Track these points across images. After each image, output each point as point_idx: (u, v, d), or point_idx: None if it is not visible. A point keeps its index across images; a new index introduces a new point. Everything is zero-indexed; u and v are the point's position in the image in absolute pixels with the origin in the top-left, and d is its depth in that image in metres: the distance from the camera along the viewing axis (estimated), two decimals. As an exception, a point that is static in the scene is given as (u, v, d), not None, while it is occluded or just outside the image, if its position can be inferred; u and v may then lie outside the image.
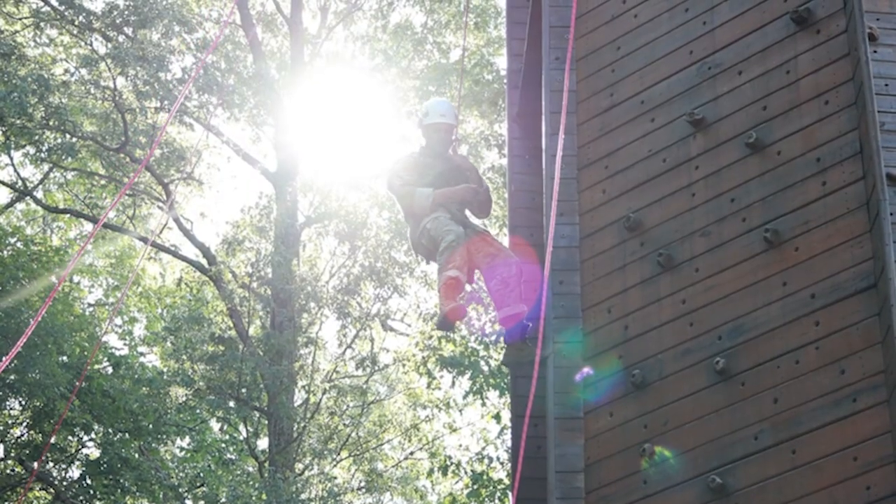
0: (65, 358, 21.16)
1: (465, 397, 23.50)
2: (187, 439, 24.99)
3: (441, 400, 26.76)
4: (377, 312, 25.90)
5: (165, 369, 24.96)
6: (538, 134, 10.47)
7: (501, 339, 10.24)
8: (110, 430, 21.81)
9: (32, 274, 21.27)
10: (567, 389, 8.10)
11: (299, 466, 25.00)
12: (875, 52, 7.81)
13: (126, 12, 24.71)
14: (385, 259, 25.49)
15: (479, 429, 26.69)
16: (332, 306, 25.31)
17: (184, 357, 24.00)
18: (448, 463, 24.41)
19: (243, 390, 23.52)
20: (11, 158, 25.74)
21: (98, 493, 21.54)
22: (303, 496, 22.99)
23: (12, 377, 20.36)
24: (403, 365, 26.37)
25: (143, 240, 26.55)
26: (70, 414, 20.87)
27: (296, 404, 25.03)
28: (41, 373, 20.06)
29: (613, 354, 8.11)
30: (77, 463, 22.72)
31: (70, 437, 22.37)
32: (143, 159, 24.04)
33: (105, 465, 21.47)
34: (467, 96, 26.49)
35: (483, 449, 25.03)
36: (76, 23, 25.25)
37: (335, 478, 26.28)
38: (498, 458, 23.56)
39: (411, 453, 28.19)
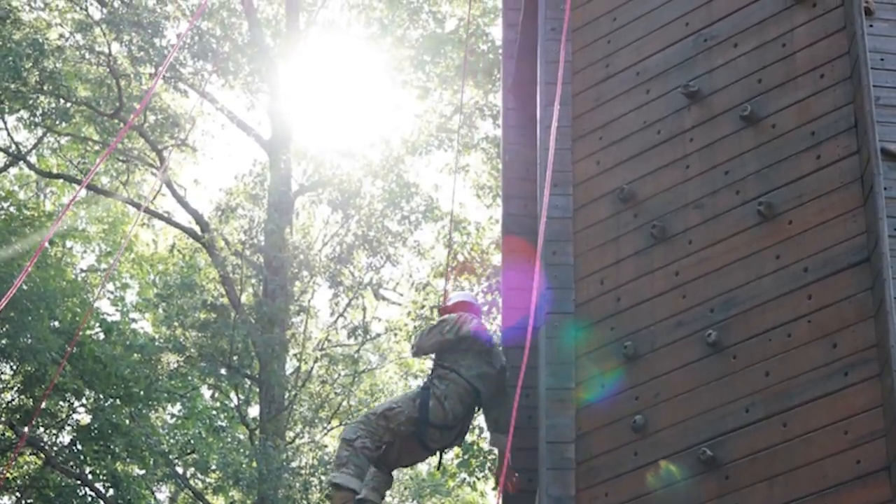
0: (56, 323, 21.13)
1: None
2: (178, 406, 24.99)
3: (432, 370, 26.70)
4: (369, 281, 25.88)
5: (157, 336, 24.93)
6: (533, 104, 10.44)
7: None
8: (101, 396, 21.80)
9: (25, 238, 21.24)
10: (559, 360, 8.10)
11: (290, 434, 25.01)
12: (871, 26, 7.78)
13: (121, -23, 24.63)
14: (378, 228, 25.46)
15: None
16: (324, 275, 25.28)
17: (175, 324, 23.98)
18: (439, 433, 24.35)
19: (235, 358, 23.51)
20: (5, 122, 25.69)
21: (88, 458, 21.54)
22: (293, 464, 23.02)
23: (3, 342, 20.35)
24: (395, 334, 26.37)
25: (136, 206, 26.49)
26: (61, 379, 20.84)
27: (287, 372, 25.02)
28: (33, 338, 20.03)
29: (607, 326, 8.11)
30: (68, 428, 22.72)
31: (61, 403, 22.36)
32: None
33: (96, 431, 21.48)
34: (462, 66, 26.42)
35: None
36: (71, -13, 25.17)
37: (326, 446, 26.28)
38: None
39: (402, 423, 28.16)
